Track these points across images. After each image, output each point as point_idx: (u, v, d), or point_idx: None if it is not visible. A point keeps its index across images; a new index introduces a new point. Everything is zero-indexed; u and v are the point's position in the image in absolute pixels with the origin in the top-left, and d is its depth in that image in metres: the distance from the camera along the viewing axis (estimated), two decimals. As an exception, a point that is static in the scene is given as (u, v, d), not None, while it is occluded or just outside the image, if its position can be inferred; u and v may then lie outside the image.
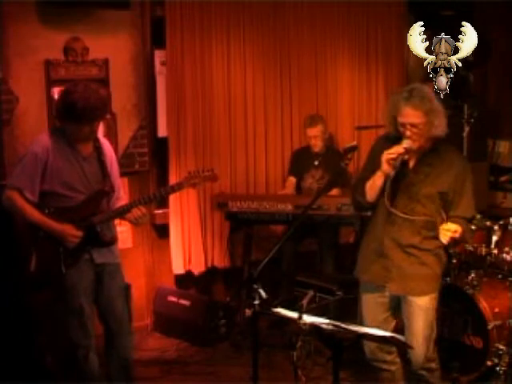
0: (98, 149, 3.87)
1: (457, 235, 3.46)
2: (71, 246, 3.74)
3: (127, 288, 4.08)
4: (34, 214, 3.72)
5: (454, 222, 3.52)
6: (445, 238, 3.47)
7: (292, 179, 5.68)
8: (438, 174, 3.56)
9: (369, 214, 3.88)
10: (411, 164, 3.60)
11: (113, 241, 3.92)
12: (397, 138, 3.53)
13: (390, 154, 3.44)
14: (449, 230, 3.45)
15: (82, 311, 3.80)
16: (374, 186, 3.57)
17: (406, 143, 3.45)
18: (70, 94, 3.68)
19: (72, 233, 3.73)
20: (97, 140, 3.89)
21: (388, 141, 3.60)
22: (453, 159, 3.60)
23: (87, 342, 3.85)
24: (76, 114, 3.65)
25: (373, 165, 3.60)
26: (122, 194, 4.10)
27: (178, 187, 4.01)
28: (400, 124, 3.49)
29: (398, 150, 3.44)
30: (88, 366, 3.87)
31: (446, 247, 3.64)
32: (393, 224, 3.60)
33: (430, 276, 3.64)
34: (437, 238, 3.55)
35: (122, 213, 3.87)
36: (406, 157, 3.51)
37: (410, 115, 3.44)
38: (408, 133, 3.46)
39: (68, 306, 3.79)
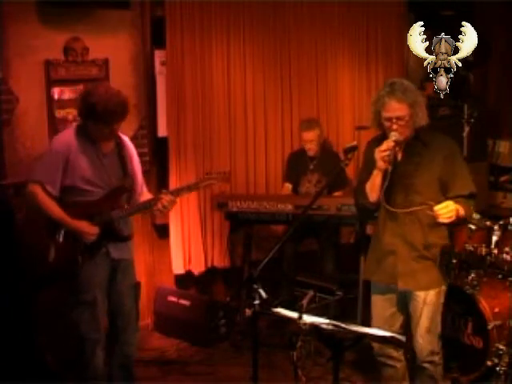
0: (119, 145, 3.94)
1: (452, 208, 3.42)
2: (88, 242, 3.80)
3: (137, 286, 4.10)
4: (53, 210, 3.78)
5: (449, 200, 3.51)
6: (443, 218, 3.43)
7: (288, 186, 5.66)
8: (428, 160, 3.59)
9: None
10: (399, 157, 3.65)
11: (129, 236, 3.97)
12: (383, 138, 3.59)
13: (381, 150, 3.50)
14: (441, 209, 3.42)
15: (95, 304, 3.84)
16: (373, 185, 3.61)
17: (394, 136, 3.50)
18: (90, 96, 3.75)
19: (87, 230, 3.79)
20: (118, 137, 3.95)
21: (376, 142, 3.66)
22: (437, 142, 3.64)
23: (97, 337, 3.88)
24: (96, 115, 3.72)
25: (368, 168, 3.66)
26: (145, 191, 4.12)
27: (195, 187, 4.06)
28: (386, 119, 3.54)
29: (388, 144, 3.49)
30: (93, 361, 3.90)
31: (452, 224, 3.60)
32: (395, 220, 3.64)
33: (435, 270, 3.65)
34: (439, 226, 3.56)
35: (142, 208, 3.94)
36: (398, 149, 3.57)
37: (396, 109, 3.49)
38: (394, 126, 3.51)
39: (81, 298, 3.83)
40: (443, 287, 3.71)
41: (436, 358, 3.75)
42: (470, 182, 3.64)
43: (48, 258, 3.83)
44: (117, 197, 3.90)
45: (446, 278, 3.74)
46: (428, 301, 3.63)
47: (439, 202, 3.48)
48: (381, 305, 3.77)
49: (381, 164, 3.51)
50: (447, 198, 3.55)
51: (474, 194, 3.63)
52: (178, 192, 3.99)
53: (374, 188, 3.61)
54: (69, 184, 3.79)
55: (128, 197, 3.97)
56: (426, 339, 3.67)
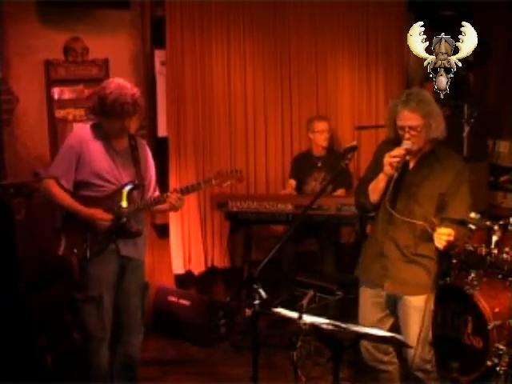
0: (133, 146, 4.00)
1: (451, 239, 3.42)
2: (101, 230, 3.83)
3: (146, 287, 4.10)
4: (66, 200, 3.86)
5: (446, 226, 3.48)
6: (440, 242, 3.43)
7: (292, 182, 5.66)
8: (437, 176, 3.60)
9: (371, 214, 3.91)
10: (411, 166, 3.66)
11: (138, 232, 3.96)
12: (398, 142, 3.59)
13: (391, 156, 3.50)
14: (443, 234, 3.42)
15: (101, 301, 3.85)
16: (376, 187, 3.62)
17: (405, 144, 3.51)
18: (102, 89, 3.83)
19: (101, 216, 3.84)
20: (133, 138, 4.02)
21: (389, 145, 3.66)
22: (452, 162, 3.65)
23: (102, 335, 3.89)
24: (106, 108, 3.79)
25: (376, 168, 3.66)
26: (158, 194, 4.13)
27: (205, 183, 4.08)
28: (399, 127, 3.55)
29: (399, 151, 3.50)
30: (97, 360, 3.91)
31: (441, 251, 3.60)
32: (392, 224, 3.64)
33: (424, 277, 3.65)
34: (432, 240, 3.54)
35: (150, 204, 3.96)
36: (408, 157, 3.58)
37: (408, 118, 3.50)
38: (407, 135, 3.52)
39: (88, 294, 3.85)
40: (431, 294, 3.67)
41: (428, 366, 3.72)
42: (467, 209, 3.63)
43: (58, 251, 3.88)
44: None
45: (435, 287, 3.70)
46: (418, 307, 3.60)
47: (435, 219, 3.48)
48: (370, 307, 3.75)
49: (388, 169, 3.51)
50: (441, 218, 3.51)
51: (465, 222, 3.62)
52: (187, 190, 4.01)
53: (376, 190, 3.63)
54: (81, 179, 3.87)
55: (140, 195, 4.00)
56: (416, 347, 3.59)
